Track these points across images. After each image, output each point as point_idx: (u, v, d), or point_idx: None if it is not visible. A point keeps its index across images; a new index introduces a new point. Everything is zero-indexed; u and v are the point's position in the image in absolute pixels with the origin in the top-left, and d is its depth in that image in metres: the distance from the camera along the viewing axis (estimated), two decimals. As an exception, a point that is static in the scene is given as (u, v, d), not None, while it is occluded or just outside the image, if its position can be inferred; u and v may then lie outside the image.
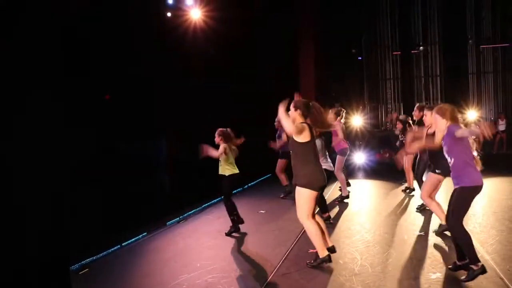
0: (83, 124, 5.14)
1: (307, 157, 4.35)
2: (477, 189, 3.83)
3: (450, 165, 3.94)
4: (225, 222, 6.08)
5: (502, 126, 14.18)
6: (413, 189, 7.88)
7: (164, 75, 6.95)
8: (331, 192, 8.34)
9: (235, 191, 6.26)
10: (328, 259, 4.41)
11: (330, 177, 6.08)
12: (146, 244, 5.80)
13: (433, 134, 5.49)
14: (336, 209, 7.09)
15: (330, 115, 7.59)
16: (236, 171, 6.01)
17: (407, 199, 7.66)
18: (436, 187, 5.44)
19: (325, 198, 6.62)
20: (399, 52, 16.32)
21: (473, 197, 3.86)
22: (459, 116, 4.03)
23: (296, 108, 4.47)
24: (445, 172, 4.95)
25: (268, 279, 4.24)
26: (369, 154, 12.56)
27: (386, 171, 10.79)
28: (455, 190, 3.90)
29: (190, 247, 5.55)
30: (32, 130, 3.53)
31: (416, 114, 7.21)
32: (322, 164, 5.02)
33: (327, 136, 7.19)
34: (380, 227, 5.90)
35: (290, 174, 5.08)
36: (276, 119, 8.06)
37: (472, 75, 15.92)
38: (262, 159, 9.12)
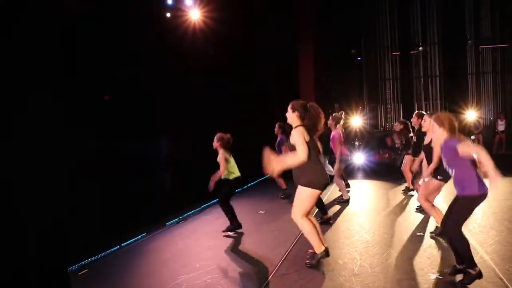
0: (82, 125, 5.15)
1: (308, 156, 4.32)
2: (482, 197, 3.75)
3: (451, 175, 3.87)
4: (224, 223, 6.08)
5: (501, 126, 14.20)
6: (413, 189, 7.89)
7: (164, 75, 6.95)
8: (330, 194, 8.34)
9: (234, 191, 6.23)
10: (326, 254, 4.42)
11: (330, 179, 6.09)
12: (145, 245, 5.80)
13: (430, 142, 5.51)
14: (335, 210, 7.10)
15: (330, 121, 7.57)
16: (238, 174, 6.00)
17: (406, 199, 7.68)
18: (435, 192, 5.41)
19: (323, 200, 6.62)
20: (399, 53, 16.35)
21: (478, 205, 3.80)
22: (457, 124, 3.91)
23: (293, 110, 4.45)
24: (447, 178, 4.94)
25: (268, 280, 4.24)
26: (368, 154, 12.58)
27: (385, 171, 10.81)
28: (458, 198, 3.84)
29: (189, 247, 5.55)
30: (32, 130, 3.53)
31: (414, 121, 7.18)
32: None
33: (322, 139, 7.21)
34: (379, 228, 5.90)
35: (286, 176, 5.05)
36: (276, 125, 8.06)
37: (471, 75, 15.94)
38: (261, 160, 9.11)
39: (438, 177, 5.22)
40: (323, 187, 4.40)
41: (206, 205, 7.92)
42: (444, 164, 3.95)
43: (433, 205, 5.32)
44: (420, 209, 6.58)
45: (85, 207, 5.13)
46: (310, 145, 4.35)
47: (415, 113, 7.30)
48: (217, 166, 5.91)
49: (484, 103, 15.96)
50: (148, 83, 6.58)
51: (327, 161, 6.43)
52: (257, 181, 10.45)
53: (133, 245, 5.83)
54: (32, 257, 3.49)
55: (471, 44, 15.77)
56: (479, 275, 3.75)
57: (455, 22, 15.60)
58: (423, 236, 5.39)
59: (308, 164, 4.27)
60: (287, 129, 4.97)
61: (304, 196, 4.34)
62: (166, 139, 7.30)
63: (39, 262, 3.54)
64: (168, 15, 7.39)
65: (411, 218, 6.31)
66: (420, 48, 15.99)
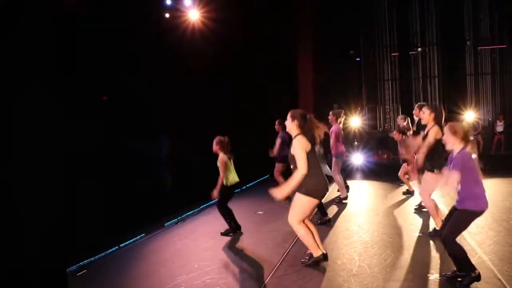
0: (82, 125, 5.15)
1: (310, 165, 4.29)
2: (480, 213, 3.80)
3: (456, 186, 3.86)
4: (223, 224, 6.08)
5: (500, 127, 14.23)
6: (413, 191, 7.91)
7: (163, 76, 6.95)
8: (329, 194, 8.34)
9: (233, 195, 6.21)
10: (323, 258, 4.45)
11: (329, 179, 6.09)
12: (144, 245, 5.80)
13: (427, 134, 5.52)
14: (334, 210, 7.10)
15: (330, 117, 7.63)
16: (237, 179, 5.99)
17: (405, 200, 7.69)
18: (435, 184, 5.41)
19: (322, 200, 6.62)
20: (397, 53, 16.34)
21: (474, 219, 3.84)
22: (471, 136, 3.92)
23: (293, 119, 4.47)
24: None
25: (266, 280, 4.25)
26: (367, 155, 12.58)
27: (384, 172, 10.81)
28: (456, 209, 3.86)
29: (188, 248, 5.55)
30: (32, 130, 3.53)
31: (416, 113, 7.25)
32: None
33: (326, 141, 7.22)
34: (378, 228, 5.91)
35: (286, 178, 5.05)
36: (276, 122, 8.08)
37: (470, 76, 15.94)
38: (260, 160, 9.13)
39: (435, 170, 5.25)
40: (321, 197, 4.47)
41: (205, 205, 7.92)
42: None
43: (436, 206, 5.35)
44: (419, 209, 6.60)
45: (84, 207, 5.13)
46: (312, 153, 4.35)
47: (416, 105, 7.35)
48: (216, 168, 5.91)
49: (483, 104, 15.97)
50: (147, 83, 6.57)
51: (325, 161, 6.44)
52: (256, 181, 10.45)
53: (132, 245, 5.83)
54: (31, 257, 3.49)
55: (470, 45, 15.77)
56: (478, 277, 3.77)
57: (454, 23, 15.60)
58: (422, 236, 5.40)
59: (309, 173, 4.27)
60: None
61: (301, 204, 4.36)
62: (165, 139, 7.30)
63: (38, 262, 3.54)
64: (167, 15, 7.39)
65: (410, 219, 6.32)
66: (419, 49, 15.98)
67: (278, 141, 7.89)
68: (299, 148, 4.27)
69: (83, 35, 5.32)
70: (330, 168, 7.62)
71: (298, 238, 5.43)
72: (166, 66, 7.06)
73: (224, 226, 6.05)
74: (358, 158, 12.12)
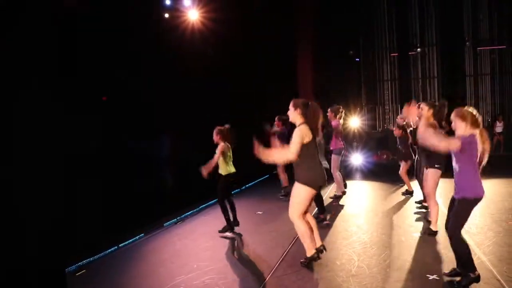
0: (82, 125, 5.15)
1: (309, 155, 4.38)
2: (478, 200, 3.80)
3: (455, 172, 3.86)
4: (223, 223, 6.08)
5: (499, 128, 14.27)
6: (412, 191, 7.92)
7: (163, 76, 6.95)
8: (329, 194, 8.35)
9: (233, 191, 6.23)
10: (317, 257, 4.50)
11: (328, 176, 6.10)
12: (143, 245, 5.80)
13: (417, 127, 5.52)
14: (334, 210, 7.10)
15: (329, 114, 7.66)
16: (233, 170, 6.01)
17: (405, 200, 7.69)
18: (437, 180, 5.43)
19: (323, 198, 6.64)
20: (397, 54, 16.35)
21: (473, 208, 3.83)
22: (479, 120, 3.81)
23: (295, 107, 4.48)
24: (444, 166, 5.03)
25: (265, 280, 4.25)
26: (366, 155, 12.59)
27: (383, 172, 10.82)
28: (456, 200, 3.87)
29: (187, 248, 5.55)
30: (32, 131, 3.53)
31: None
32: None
33: (326, 137, 7.23)
34: (377, 228, 5.91)
35: (290, 175, 5.08)
36: (276, 118, 8.11)
37: (469, 77, 15.96)
38: (260, 160, 9.12)
39: (436, 165, 5.29)
40: (318, 187, 4.50)
41: (204, 205, 7.93)
42: (453, 158, 3.91)
43: (437, 206, 5.38)
44: (420, 208, 6.62)
45: (83, 207, 5.12)
46: (312, 144, 4.39)
47: (418, 103, 7.35)
48: (216, 168, 5.92)
49: (482, 105, 15.99)
50: (147, 83, 6.57)
51: (323, 156, 6.46)
52: (255, 181, 10.45)
53: (131, 245, 5.83)
54: (31, 257, 3.49)
55: (469, 46, 15.79)
56: (478, 279, 3.78)
57: (453, 24, 15.61)
58: (421, 237, 5.40)
59: (308, 163, 4.37)
60: (288, 121, 4.99)
61: (300, 194, 4.40)
62: (165, 139, 7.30)
63: (38, 262, 3.54)
64: (167, 15, 7.39)
65: (409, 219, 6.33)
66: (419, 49, 16.00)
67: (274, 140, 7.79)
68: (297, 136, 4.31)
69: (83, 35, 5.31)
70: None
71: (297, 238, 5.45)
72: (166, 66, 7.06)
73: (224, 226, 6.06)
74: (357, 158, 12.13)
